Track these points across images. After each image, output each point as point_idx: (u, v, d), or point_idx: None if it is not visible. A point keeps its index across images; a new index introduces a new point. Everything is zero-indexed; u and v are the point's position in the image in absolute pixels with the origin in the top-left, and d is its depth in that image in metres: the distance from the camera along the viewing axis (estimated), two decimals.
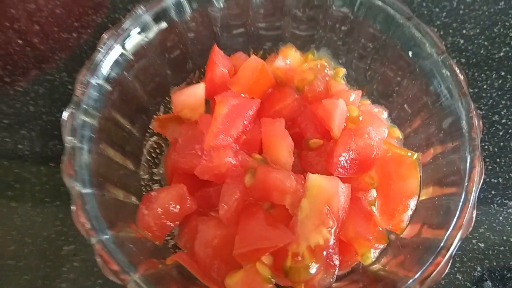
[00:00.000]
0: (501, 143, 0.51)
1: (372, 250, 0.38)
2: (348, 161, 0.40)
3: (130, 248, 0.35)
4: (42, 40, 0.60)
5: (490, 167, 0.50)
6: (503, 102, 0.54)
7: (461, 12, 0.60)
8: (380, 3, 0.41)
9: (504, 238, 0.47)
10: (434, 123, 0.40)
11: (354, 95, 0.44)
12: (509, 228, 0.47)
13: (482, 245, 0.46)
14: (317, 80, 0.45)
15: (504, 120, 0.53)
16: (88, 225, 0.33)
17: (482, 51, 0.57)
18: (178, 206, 0.39)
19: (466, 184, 0.34)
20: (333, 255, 0.37)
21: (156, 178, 0.47)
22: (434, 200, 0.37)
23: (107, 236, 0.34)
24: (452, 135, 0.37)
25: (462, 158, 0.35)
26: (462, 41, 0.58)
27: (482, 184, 0.48)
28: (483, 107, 0.54)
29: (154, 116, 0.48)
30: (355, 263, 0.40)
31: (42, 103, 0.56)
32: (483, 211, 0.48)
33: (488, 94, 0.54)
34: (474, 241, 0.47)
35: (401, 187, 0.39)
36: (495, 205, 0.48)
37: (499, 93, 0.54)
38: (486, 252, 0.46)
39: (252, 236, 0.36)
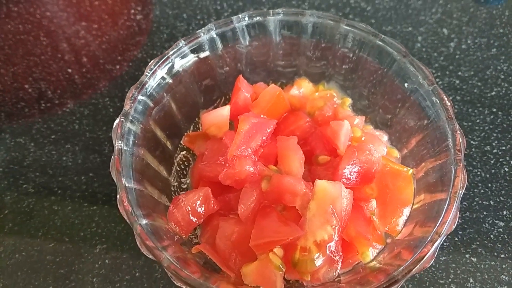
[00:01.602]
0: (492, 170, 0.57)
1: (371, 249, 0.44)
2: (351, 174, 0.46)
3: (161, 235, 0.41)
4: (89, 70, 0.70)
5: (482, 191, 0.56)
6: (494, 134, 0.60)
7: (457, 56, 0.68)
8: (380, 42, 0.49)
9: (495, 254, 0.51)
10: (426, 143, 0.47)
11: (358, 119, 0.51)
12: (500, 246, 0.52)
13: (474, 259, 0.51)
14: (326, 106, 0.53)
15: (495, 150, 0.59)
16: (130, 210, 0.39)
17: (475, 90, 0.64)
18: (203, 205, 0.46)
19: (451, 190, 0.40)
20: (336, 252, 0.43)
21: (183, 186, 0.53)
22: (425, 206, 0.43)
23: (144, 222, 0.40)
24: (440, 152, 0.44)
25: (448, 170, 0.41)
26: (457, 81, 0.65)
27: (475, 206, 0.54)
28: (476, 138, 0.60)
29: (185, 133, 0.56)
30: (356, 262, 0.45)
31: (86, 122, 0.64)
32: (476, 229, 0.53)
33: (481, 128, 0.61)
34: (467, 255, 0.51)
35: (397, 197, 0.45)
36: (487, 225, 0.53)
37: (491, 126, 0.60)
38: (478, 266, 0.50)
39: (266, 230, 0.42)
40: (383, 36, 0.49)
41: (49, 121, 0.65)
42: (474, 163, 0.58)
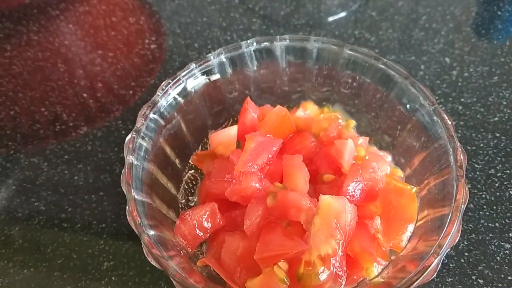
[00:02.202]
0: (497, 193, 0.57)
1: (375, 264, 0.44)
2: (355, 191, 0.47)
3: (168, 247, 0.42)
4: (103, 95, 0.73)
5: (487, 213, 0.56)
6: (498, 158, 0.60)
7: (459, 84, 0.70)
8: (382, 66, 0.51)
9: (502, 276, 0.51)
10: (428, 162, 0.48)
11: (362, 140, 0.53)
12: (506, 267, 0.51)
13: (481, 281, 0.50)
14: (331, 127, 0.54)
15: (499, 174, 0.59)
16: (138, 221, 0.41)
17: (478, 116, 0.65)
18: (210, 220, 0.47)
19: (453, 204, 0.40)
20: (341, 267, 0.43)
21: (191, 204, 0.54)
22: (428, 221, 0.43)
23: (152, 232, 0.41)
24: (442, 169, 0.45)
25: (450, 186, 0.42)
26: (460, 107, 0.66)
27: (480, 228, 0.54)
28: (480, 162, 0.60)
29: (194, 152, 0.57)
30: (361, 279, 0.45)
31: (99, 144, 0.67)
32: (482, 251, 0.53)
33: (485, 152, 0.61)
34: (473, 277, 0.51)
35: (402, 214, 0.46)
36: (493, 247, 0.53)
37: (495, 151, 0.61)
38: (484, 287, 0.50)
39: (271, 244, 0.43)
40: (384, 59, 0.51)
41: (63, 142, 0.67)
42: (479, 186, 0.58)
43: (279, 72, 0.57)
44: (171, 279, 0.38)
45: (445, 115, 0.46)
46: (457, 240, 0.39)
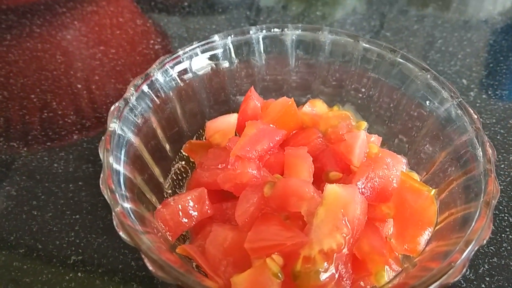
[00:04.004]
0: None
1: (387, 268, 0.37)
2: (366, 189, 0.41)
3: (145, 224, 0.36)
4: (99, 87, 0.69)
5: (510, 237, 0.49)
6: None
7: (477, 105, 0.65)
8: (400, 59, 0.47)
9: None
10: (450, 162, 0.42)
11: (375, 137, 0.47)
12: None
13: None
14: (340, 125, 0.49)
15: None
16: (113, 188, 0.35)
17: (498, 137, 0.60)
18: (196, 206, 0.40)
19: (482, 198, 0.34)
20: (346, 269, 0.36)
21: None
22: (450, 222, 0.37)
23: (128, 205, 0.35)
24: (467, 167, 0.39)
25: (477, 181, 0.36)
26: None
27: (503, 251, 0.47)
28: (501, 183, 0.55)
29: (187, 141, 0.52)
30: (369, 286, 0.38)
31: (86, 133, 0.61)
32: (505, 277, 0.46)
33: (506, 173, 0.56)
34: None
35: (418, 217, 0.40)
36: None
37: None
38: None
39: (265, 233, 0.36)
40: (403, 52, 0.47)
41: (48, 129, 0.62)
42: (501, 207, 0.52)
43: (288, 64, 0.53)
44: (144, 257, 0.32)
45: (470, 109, 0.41)
46: (487, 238, 0.32)
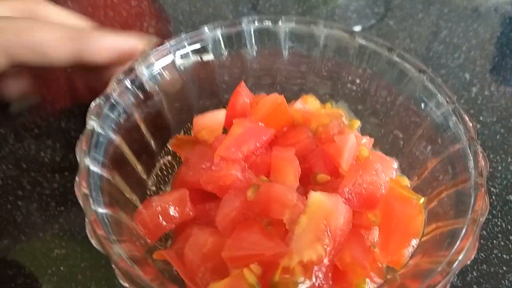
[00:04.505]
0: None
1: (368, 281, 0.36)
2: (353, 195, 0.40)
3: (121, 231, 0.35)
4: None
5: (502, 243, 0.48)
6: None
7: (478, 102, 0.63)
8: (396, 58, 0.45)
9: None
10: (441, 169, 0.41)
11: (366, 140, 0.46)
12: None
13: None
14: (332, 124, 0.47)
15: None
16: (87, 193, 0.33)
17: (498, 137, 0.58)
18: (177, 208, 0.39)
19: (469, 216, 0.33)
20: (325, 280, 0.35)
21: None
22: (436, 236, 0.36)
23: (102, 210, 0.34)
24: (458, 177, 0.38)
25: (467, 196, 0.35)
26: (478, 126, 0.60)
27: (493, 259, 0.46)
28: (497, 186, 0.53)
29: (174, 136, 0.50)
30: None
31: (74, 121, 0.60)
32: (494, 285, 0.45)
33: (503, 175, 0.54)
34: None
35: (405, 226, 0.38)
36: (506, 281, 0.45)
37: None
38: None
39: (245, 241, 0.35)
40: (400, 51, 0.45)
41: (35, 115, 0.61)
42: (494, 212, 0.51)
43: (281, 58, 0.51)
44: (114, 268, 0.31)
45: (466, 116, 0.40)
46: (471, 258, 0.31)
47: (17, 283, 0.45)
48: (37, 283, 0.45)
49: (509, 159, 0.56)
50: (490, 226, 0.50)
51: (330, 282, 0.35)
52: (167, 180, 0.49)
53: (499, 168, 0.55)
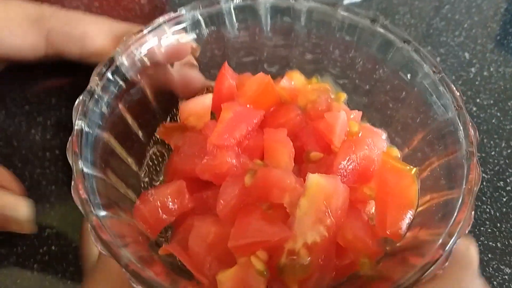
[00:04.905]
0: (504, 209, 0.52)
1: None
2: (348, 170, 0.41)
3: (123, 231, 0.35)
4: None
5: (489, 231, 0.50)
6: (510, 170, 0.55)
7: (477, 83, 0.63)
8: (380, 29, 0.45)
9: None
10: (431, 139, 0.42)
11: (355, 114, 0.46)
12: None
13: None
14: (319, 100, 0.47)
15: (509, 188, 0.53)
16: (85, 197, 0.33)
17: (493, 121, 0.59)
18: (175, 200, 0.39)
19: (464, 186, 0.34)
20: (329, 258, 0.36)
21: (155, 184, 0.47)
22: (432, 207, 0.37)
23: (103, 213, 0.33)
24: (449, 147, 0.39)
25: (459, 165, 0.36)
26: (474, 109, 0.60)
27: (479, 246, 0.49)
28: (488, 172, 0.55)
29: (161, 124, 0.49)
30: (352, 272, 0.38)
31: (65, 97, 0.58)
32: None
33: (496, 161, 0.55)
34: None
35: (400, 197, 0.39)
36: (491, 269, 0.48)
37: (507, 161, 0.55)
38: None
39: (248, 229, 0.36)
40: (384, 22, 0.45)
41: (26, 91, 0.59)
42: (484, 198, 0.53)
43: (263, 35, 0.50)
44: (125, 271, 0.31)
45: (452, 85, 0.40)
46: (468, 229, 0.32)
47: (10, 261, 0.46)
48: (30, 261, 0.46)
49: (503, 144, 0.57)
50: (479, 213, 0.51)
51: (334, 260, 0.36)
52: (158, 169, 0.48)
53: (492, 153, 0.56)
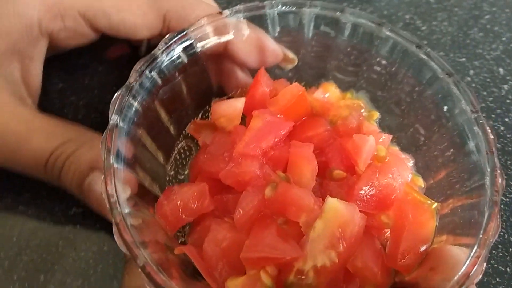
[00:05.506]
0: None
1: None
2: (368, 196, 0.41)
3: (143, 228, 0.36)
4: None
5: (500, 254, 0.50)
6: None
7: (508, 101, 0.61)
8: (423, 56, 0.44)
9: None
10: (457, 177, 0.41)
11: (385, 137, 0.46)
12: None
13: None
14: (351, 117, 0.47)
15: None
16: (114, 196, 0.35)
17: None
18: (197, 202, 0.41)
19: (481, 236, 0.34)
20: (336, 283, 0.37)
21: (180, 177, 0.49)
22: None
23: (127, 211, 0.35)
24: (473, 191, 0.38)
25: (480, 212, 0.36)
26: (502, 128, 0.59)
27: (489, 269, 0.48)
28: (508, 195, 0.54)
29: (192, 120, 0.51)
30: None
31: (97, 79, 0.60)
32: None
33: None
34: None
35: (416, 232, 0.40)
36: None
37: None
38: None
39: (262, 243, 0.37)
40: (428, 49, 0.44)
41: (61, 70, 0.61)
42: (500, 221, 0.52)
43: (303, 43, 0.50)
44: (141, 270, 0.33)
45: (487, 127, 0.39)
46: (479, 279, 0.33)
47: (37, 235, 0.48)
48: (55, 237, 0.49)
49: None
50: None
51: (341, 285, 0.37)
52: (184, 163, 0.50)
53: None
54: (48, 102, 0.57)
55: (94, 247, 0.48)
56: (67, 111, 0.57)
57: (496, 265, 0.49)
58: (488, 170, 0.37)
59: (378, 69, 0.49)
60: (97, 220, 0.50)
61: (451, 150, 0.43)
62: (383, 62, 0.48)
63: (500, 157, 0.57)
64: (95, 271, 0.47)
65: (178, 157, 0.49)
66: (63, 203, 0.50)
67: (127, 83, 0.41)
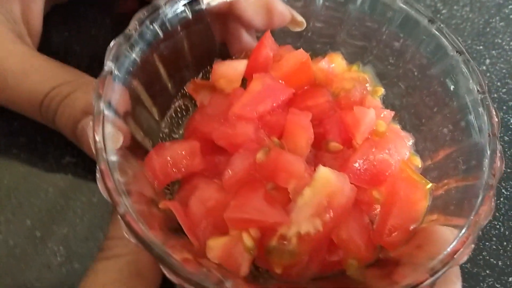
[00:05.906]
0: None
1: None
2: (362, 169, 0.40)
3: (129, 178, 0.36)
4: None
5: (493, 247, 0.49)
6: None
7: None
8: (435, 32, 0.42)
9: None
10: (456, 159, 0.40)
11: (386, 113, 0.44)
12: None
13: None
14: (354, 90, 0.46)
15: None
16: (100, 142, 0.34)
17: None
18: (187, 159, 0.40)
19: (472, 218, 0.33)
20: (317, 253, 0.37)
21: (175, 136, 0.48)
22: None
23: (113, 159, 0.35)
24: (471, 173, 0.37)
25: (474, 194, 0.35)
26: None
27: (480, 260, 0.47)
28: (509, 188, 0.52)
29: (192, 79, 0.50)
30: (338, 269, 0.39)
31: (104, 31, 0.60)
32: (471, 285, 0.46)
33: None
34: None
35: (406, 209, 0.39)
36: (485, 284, 0.47)
37: None
38: None
39: (248, 205, 0.36)
40: (441, 25, 0.42)
41: (68, 19, 0.60)
42: (497, 214, 0.51)
43: (313, 9, 0.48)
44: (120, 219, 0.32)
45: (492, 109, 0.38)
46: (464, 260, 0.32)
47: (28, 180, 0.49)
48: (45, 184, 0.48)
49: None
50: (488, 228, 0.50)
51: (324, 254, 0.37)
52: (180, 122, 0.49)
53: None
54: (52, 50, 0.56)
55: (83, 198, 0.48)
56: (70, 59, 0.56)
57: (488, 257, 0.48)
58: (488, 152, 0.36)
59: (388, 42, 0.47)
60: (90, 172, 0.50)
61: (453, 131, 0.41)
62: (394, 35, 0.46)
63: (507, 150, 0.55)
64: (82, 220, 0.47)
65: (174, 116, 0.48)
66: (57, 151, 0.50)
67: (126, 30, 0.39)
